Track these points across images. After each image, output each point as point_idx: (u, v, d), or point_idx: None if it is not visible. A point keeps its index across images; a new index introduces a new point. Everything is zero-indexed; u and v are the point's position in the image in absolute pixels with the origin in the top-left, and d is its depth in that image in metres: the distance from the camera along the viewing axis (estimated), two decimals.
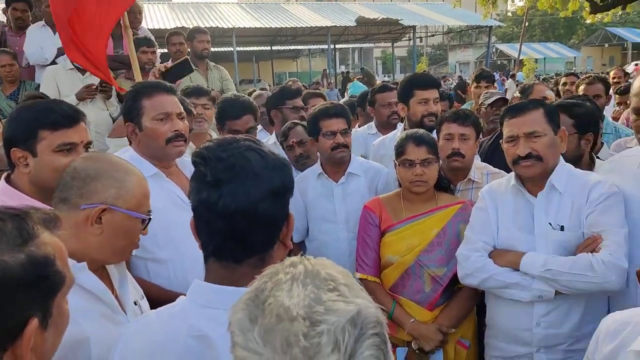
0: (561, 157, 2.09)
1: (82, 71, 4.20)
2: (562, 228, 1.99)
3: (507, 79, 22.33)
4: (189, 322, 1.03)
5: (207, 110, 3.27)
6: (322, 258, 0.77)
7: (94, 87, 4.06)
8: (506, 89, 15.24)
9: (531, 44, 39.17)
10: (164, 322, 1.09)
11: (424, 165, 2.28)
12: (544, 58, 37.29)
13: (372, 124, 3.75)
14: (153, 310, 1.15)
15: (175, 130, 2.06)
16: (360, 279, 2.37)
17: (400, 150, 2.33)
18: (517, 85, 18.26)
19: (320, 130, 2.64)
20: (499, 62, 39.10)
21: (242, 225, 1.02)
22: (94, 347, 1.34)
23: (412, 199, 2.37)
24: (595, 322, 1.98)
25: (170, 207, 2.02)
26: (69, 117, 1.74)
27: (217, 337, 0.73)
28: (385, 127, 3.61)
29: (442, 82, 17.37)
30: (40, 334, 0.82)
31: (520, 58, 25.58)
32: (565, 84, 4.52)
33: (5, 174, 1.81)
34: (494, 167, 2.66)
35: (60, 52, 4.62)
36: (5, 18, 5.31)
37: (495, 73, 24.24)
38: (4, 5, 5.27)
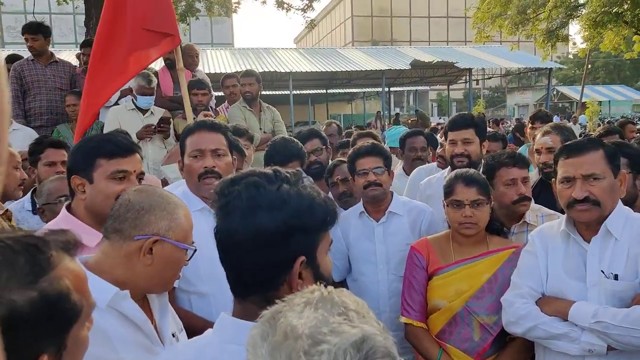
0: (619, 201, 1.96)
1: (143, 111, 4.44)
2: (616, 277, 1.84)
3: (569, 122, 21.57)
4: (213, 357, 1.02)
5: (245, 150, 3.33)
6: (342, 289, 0.78)
7: (153, 127, 4.26)
8: None
9: (595, 86, 37.90)
10: (189, 356, 1.08)
11: (473, 206, 2.18)
12: (609, 101, 35.86)
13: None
14: (181, 342, 1.15)
15: (205, 167, 2.07)
16: (405, 323, 2.27)
17: (449, 190, 2.26)
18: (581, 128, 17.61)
19: (355, 169, 2.64)
20: (560, 104, 37.99)
21: (235, 261, 1.04)
22: None
23: (461, 241, 2.27)
24: None
25: (215, 241, 2.03)
26: (124, 147, 1.85)
27: None
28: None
29: (500, 125, 17.03)
30: None
31: (583, 101, 24.72)
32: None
33: (67, 202, 1.91)
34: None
35: (122, 95, 4.91)
36: (78, 62, 5.73)
37: (555, 116, 23.58)
38: (79, 51, 5.72)
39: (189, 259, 1.55)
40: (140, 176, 1.91)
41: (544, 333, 1.90)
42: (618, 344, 1.76)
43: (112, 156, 1.81)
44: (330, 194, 3.26)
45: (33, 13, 10.07)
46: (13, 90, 4.75)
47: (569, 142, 2.11)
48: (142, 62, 3.33)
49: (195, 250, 1.55)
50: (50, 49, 5.29)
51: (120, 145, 1.85)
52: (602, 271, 1.87)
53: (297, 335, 0.66)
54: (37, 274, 0.79)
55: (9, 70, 5.02)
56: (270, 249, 1.00)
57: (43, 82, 5.01)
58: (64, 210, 1.88)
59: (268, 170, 1.08)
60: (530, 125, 4.45)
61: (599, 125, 17.05)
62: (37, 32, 5.03)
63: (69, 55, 14.44)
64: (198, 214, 2.10)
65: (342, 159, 3.09)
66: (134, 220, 1.45)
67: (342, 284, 2.77)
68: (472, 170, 2.34)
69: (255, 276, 1.02)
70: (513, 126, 13.14)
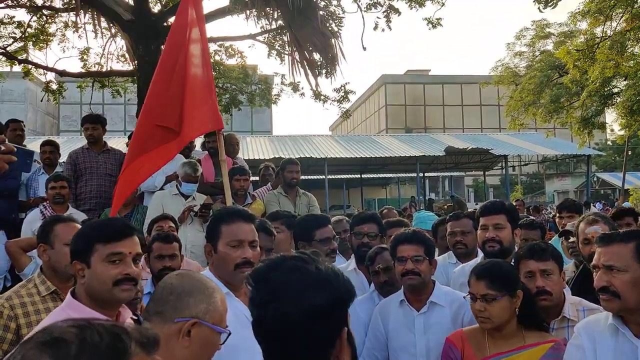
0: None
1: (185, 196, 4.65)
2: None
3: (612, 209, 20.87)
4: None
5: (278, 233, 3.43)
6: None
7: (193, 207, 4.46)
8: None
9: (637, 172, 37.06)
10: None
11: (484, 300, 2.18)
12: None
13: (452, 252, 3.65)
14: None
15: (244, 258, 2.15)
16: None
17: (468, 282, 2.30)
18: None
19: (396, 255, 2.64)
20: (602, 191, 37.12)
21: (288, 344, 1.07)
22: None
23: (495, 335, 2.22)
24: None
25: (237, 326, 2.06)
26: (120, 230, 1.90)
27: None
28: (459, 257, 3.49)
29: (540, 212, 16.63)
30: None
31: (626, 187, 24.13)
32: None
33: (72, 287, 1.97)
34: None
35: (168, 180, 5.17)
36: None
37: (598, 203, 22.88)
38: (127, 140, 6.14)
39: (223, 343, 1.59)
40: (137, 258, 1.94)
41: None
42: None
43: (108, 240, 1.86)
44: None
45: (90, 104, 10.88)
46: (67, 176, 5.08)
47: (606, 233, 2.11)
48: (161, 158, 3.59)
49: (230, 334, 1.59)
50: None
51: (115, 229, 1.90)
52: None
53: None
54: (117, 359, 0.82)
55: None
56: (323, 325, 1.08)
57: (95, 168, 5.35)
58: (68, 296, 1.91)
59: (297, 253, 1.19)
60: (558, 214, 4.39)
61: None
62: (97, 122, 5.49)
63: (118, 142, 15.35)
64: None
65: (384, 245, 3.02)
66: (174, 302, 1.52)
67: None
68: (489, 263, 2.34)
69: (306, 355, 1.08)
70: (553, 213, 12.88)
